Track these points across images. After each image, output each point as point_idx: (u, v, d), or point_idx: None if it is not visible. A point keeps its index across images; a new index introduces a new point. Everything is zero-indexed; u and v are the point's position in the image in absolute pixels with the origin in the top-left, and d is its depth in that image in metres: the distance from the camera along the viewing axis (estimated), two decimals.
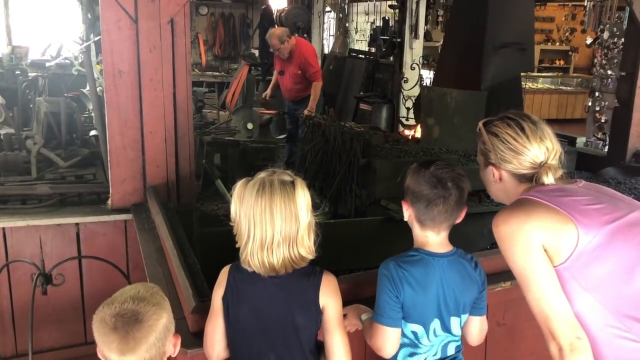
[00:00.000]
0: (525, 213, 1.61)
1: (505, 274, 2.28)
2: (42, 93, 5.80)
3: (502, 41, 4.91)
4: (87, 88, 4.93)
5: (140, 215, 3.18)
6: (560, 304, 1.55)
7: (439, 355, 1.87)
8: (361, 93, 7.99)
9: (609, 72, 8.20)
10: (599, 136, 8.00)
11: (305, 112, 5.93)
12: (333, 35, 11.13)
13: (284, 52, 6.17)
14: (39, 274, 2.93)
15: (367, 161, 4.09)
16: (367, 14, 9.99)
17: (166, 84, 3.26)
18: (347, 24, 10.62)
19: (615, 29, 7.98)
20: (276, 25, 8.38)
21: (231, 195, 1.71)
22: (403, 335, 1.82)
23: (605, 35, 8.15)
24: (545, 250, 1.57)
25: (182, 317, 1.98)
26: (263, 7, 9.63)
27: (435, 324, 1.81)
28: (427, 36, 9.40)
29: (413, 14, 7.80)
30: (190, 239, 2.94)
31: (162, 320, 1.50)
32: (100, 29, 3.16)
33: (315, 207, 1.73)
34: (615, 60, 7.91)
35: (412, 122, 6.92)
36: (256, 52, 9.64)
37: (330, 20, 11.46)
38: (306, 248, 1.68)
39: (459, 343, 1.91)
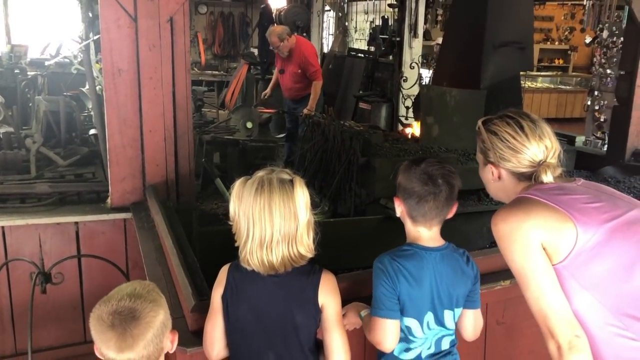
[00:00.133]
0: (524, 211, 1.61)
1: (504, 273, 2.28)
2: (42, 92, 5.79)
3: (502, 40, 4.91)
4: (87, 87, 4.93)
5: (140, 214, 3.18)
6: (559, 302, 1.55)
7: (433, 349, 1.89)
8: (360, 92, 8.00)
9: (608, 71, 8.19)
10: (598, 135, 8.00)
11: (305, 110, 5.93)
12: (332, 34, 11.13)
13: (284, 51, 6.16)
14: (38, 273, 2.93)
15: (366, 160, 4.10)
16: (366, 12, 9.98)
17: (165, 82, 3.26)
18: (346, 23, 10.62)
19: (614, 28, 7.97)
20: (276, 24, 8.37)
21: (230, 194, 1.71)
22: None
23: (605, 34, 8.15)
24: (544, 249, 1.57)
25: (181, 315, 1.98)
26: (262, 6, 9.62)
27: (429, 317, 1.83)
28: (427, 35, 9.41)
29: (412, 12, 7.79)
30: (190, 237, 2.95)
31: (159, 317, 1.51)
32: (100, 27, 3.16)
33: (314, 205, 1.74)
34: (615, 59, 7.90)
35: (411, 121, 6.92)
36: (255, 51, 9.63)
37: (329, 19, 11.46)
38: (305, 246, 1.69)
39: (453, 337, 1.93)
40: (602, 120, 8.17)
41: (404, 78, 7.39)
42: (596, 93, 8.45)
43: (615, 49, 7.98)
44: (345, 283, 2.03)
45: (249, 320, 1.73)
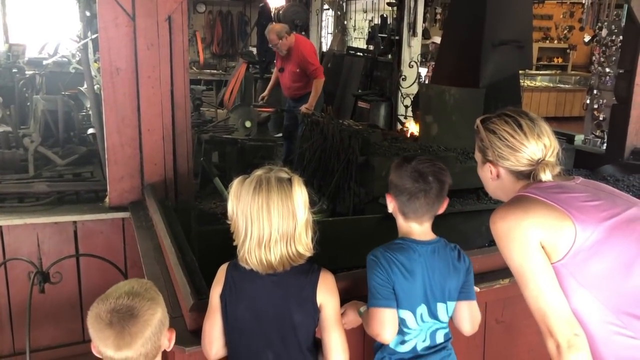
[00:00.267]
0: (523, 210, 1.61)
1: (503, 272, 2.28)
2: (40, 91, 5.78)
3: (501, 39, 4.90)
4: (85, 86, 4.92)
5: (138, 213, 3.18)
6: (558, 301, 1.55)
7: (428, 342, 1.90)
8: (359, 91, 8.00)
9: (607, 69, 8.21)
10: (597, 134, 8.02)
11: (302, 108, 5.93)
12: (331, 33, 11.13)
13: (282, 49, 6.16)
14: (37, 272, 2.93)
15: (365, 159, 4.09)
16: (365, 11, 9.99)
17: (164, 81, 3.25)
18: (345, 22, 10.62)
19: (613, 26, 7.98)
20: (274, 23, 8.36)
21: (228, 193, 1.71)
22: None
23: (604, 32, 8.16)
24: (542, 247, 1.57)
25: (180, 315, 1.98)
26: (261, 4, 9.63)
27: (422, 309, 1.85)
28: (426, 34, 9.41)
29: (411, 11, 7.79)
30: (188, 237, 2.94)
31: (157, 315, 1.51)
32: (98, 26, 3.15)
33: (312, 204, 1.73)
34: (614, 58, 7.92)
35: (410, 120, 6.92)
36: (254, 50, 9.64)
37: (328, 18, 11.46)
38: (304, 245, 1.69)
39: (447, 331, 1.94)
40: (601, 118, 8.19)
41: (403, 77, 7.39)
42: (595, 92, 8.47)
43: (614, 48, 8.00)
44: (344, 282, 2.03)
45: (247, 319, 1.72)
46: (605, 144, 5.82)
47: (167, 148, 3.34)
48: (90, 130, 4.45)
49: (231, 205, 1.69)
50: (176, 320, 1.89)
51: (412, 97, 7.07)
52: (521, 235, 1.57)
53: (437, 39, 9.60)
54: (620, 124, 4.89)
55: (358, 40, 10.38)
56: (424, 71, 8.90)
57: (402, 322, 1.83)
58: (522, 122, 1.71)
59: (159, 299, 1.55)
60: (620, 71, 4.94)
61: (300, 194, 1.67)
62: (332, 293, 1.76)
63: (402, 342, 1.87)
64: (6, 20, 8.94)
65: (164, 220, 2.73)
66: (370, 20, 9.73)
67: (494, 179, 1.79)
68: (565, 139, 5.25)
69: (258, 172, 1.69)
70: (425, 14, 8.72)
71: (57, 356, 3.36)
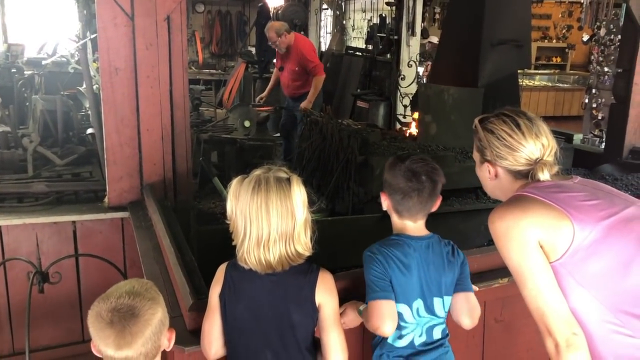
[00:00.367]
0: (521, 209, 1.61)
1: (502, 271, 2.28)
2: (39, 91, 5.78)
3: (499, 38, 4.91)
4: (84, 86, 4.91)
5: (137, 213, 3.18)
6: (557, 300, 1.55)
7: (424, 337, 1.91)
8: (358, 90, 8.00)
9: (606, 69, 8.22)
10: (595, 133, 8.03)
11: (302, 105, 5.95)
12: (330, 33, 11.13)
13: (281, 47, 6.17)
14: (36, 272, 2.93)
15: (364, 158, 4.09)
16: (364, 11, 9.99)
17: (163, 81, 3.25)
18: (344, 21, 10.62)
19: (611, 25, 7.99)
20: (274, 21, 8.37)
21: (227, 193, 1.71)
22: None
23: (602, 32, 8.17)
24: (541, 247, 1.57)
25: (179, 314, 1.98)
26: (260, 4, 9.63)
27: (419, 303, 1.87)
28: (424, 33, 9.41)
29: (410, 11, 7.80)
30: (187, 236, 2.94)
31: (158, 315, 1.51)
32: (97, 26, 3.15)
33: (311, 204, 1.74)
34: (612, 57, 7.92)
35: (409, 119, 6.92)
36: (253, 50, 9.63)
37: (327, 17, 11.46)
38: (303, 245, 1.69)
39: (444, 327, 1.95)
40: (599, 118, 8.20)
41: (402, 76, 7.39)
42: (594, 91, 8.48)
43: (612, 47, 8.01)
44: (343, 281, 2.04)
45: (246, 319, 1.72)
46: (603, 143, 5.83)
47: (166, 148, 3.34)
48: (89, 130, 4.44)
49: (230, 205, 1.69)
50: (175, 320, 1.89)
51: (410, 96, 7.07)
52: (519, 235, 1.58)
53: (434, 39, 9.61)
54: (618, 123, 4.89)
55: (357, 40, 10.38)
56: (421, 70, 8.91)
57: (399, 316, 1.84)
58: (520, 121, 1.71)
59: (159, 298, 1.55)
60: (619, 70, 4.95)
61: (299, 193, 1.67)
62: (331, 293, 1.76)
63: (400, 337, 1.89)
64: (5, 20, 8.93)
65: (163, 220, 2.73)
66: (369, 20, 9.73)
67: (492, 178, 1.80)
68: (564, 138, 5.26)
69: (257, 172, 1.70)
70: (424, 13, 8.73)
71: (56, 356, 3.36)
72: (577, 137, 5.64)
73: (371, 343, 1.99)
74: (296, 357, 1.75)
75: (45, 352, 3.32)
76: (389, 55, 7.97)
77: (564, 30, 14.22)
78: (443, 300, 1.90)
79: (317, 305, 1.73)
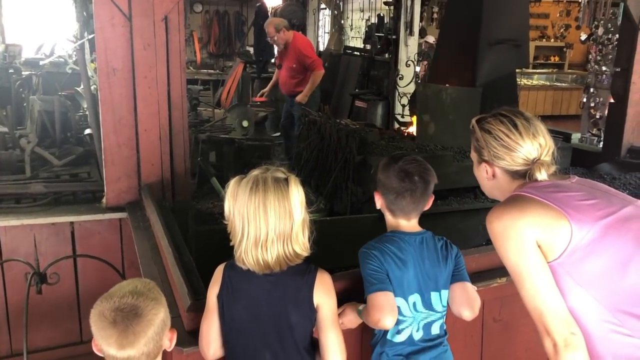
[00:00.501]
0: (519, 209, 1.61)
1: (500, 270, 2.27)
2: (36, 91, 5.76)
3: (497, 38, 4.92)
4: (81, 86, 4.91)
5: (135, 214, 3.17)
6: (555, 300, 1.55)
7: (421, 333, 1.92)
8: (356, 90, 8.01)
9: (604, 68, 8.22)
10: (593, 132, 8.03)
11: (298, 98, 6.00)
12: (328, 33, 11.13)
13: (279, 42, 6.22)
14: (34, 273, 2.92)
15: (362, 158, 4.10)
16: (362, 10, 9.99)
17: (160, 81, 3.25)
18: (342, 21, 10.62)
19: (609, 25, 8.00)
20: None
21: (225, 193, 1.71)
22: None
23: (600, 31, 8.18)
24: (539, 246, 1.57)
25: (177, 315, 1.98)
26: (258, 4, 9.62)
27: (416, 298, 1.89)
28: (422, 33, 9.42)
29: (408, 10, 7.81)
30: (186, 237, 2.94)
31: (160, 315, 1.51)
32: (94, 26, 3.15)
33: (310, 204, 1.73)
34: (610, 57, 7.93)
35: (407, 119, 6.93)
36: (251, 50, 9.63)
37: (325, 17, 11.47)
38: (301, 245, 1.69)
39: (442, 322, 1.97)
40: (597, 117, 8.21)
41: (400, 76, 7.40)
42: (592, 90, 8.48)
43: (610, 46, 8.01)
44: (342, 281, 2.03)
45: (244, 319, 1.72)
46: (602, 142, 5.83)
47: (164, 148, 3.34)
48: (87, 131, 4.43)
49: (228, 206, 1.68)
50: (173, 321, 1.87)
51: (409, 96, 7.08)
52: (517, 235, 1.58)
53: (430, 38, 9.62)
54: (616, 122, 4.90)
55: (355, 40, 10.38)
56: (417, 70, 8.92)
57: (397, 309, 1.85)
58: (518, 121, 1.71)
59: (161, 299, 1.56)
60: (617, 69, 4.95)
61: (297, 193, 1.67)
62: (329, 293, 1.76)
63: (398, 332, 1.90)
64: (2, 21, 8.91)
65: (161, 221, 2.73)
66: (367, 20, 9.73)
67: (490, 178, 1.80)
68: (562, 138, 5.27)
69: (255, 172, 1.69)
70: (422, 13, 8.74)
71: (54, 357, 3.35)
72: (575, 136, 5.65)
73: (370, 343, 2.00)
74: (294, 357, 1.75)
75: (43, 353, 3.32)
76: (387, 55, 7.98)
77: (561, 30, 14.23)
78: (440, 294, 1.93)
79: (315, 305, 1.73)
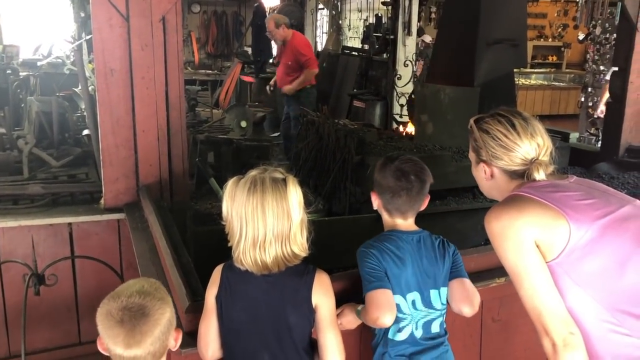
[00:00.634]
0: (517, 209, 1.61)
1: (499, 270, 2.27)
2: (34, 92, 5.77)
3: (495, 37, 4.91)
4: (79, 87, 4.90)
5: (134, 215, 3.17)
6: (553, 299, 1.55)
7: (421, 332, 1.92)
8: (355, 90, 8.00)
9: (602, 67, 8.23)
10: (591, 131, 8.03)
11: (285, 89, 6.17)
12: (326, 33, 11.13)
13: (277, 38, 6.32)
14: (32, 275, 2.91)
15: (361, 158, 4.10)
16: (360, 11, 9.99)
17: (158, 82, 3.25)
18: (340, 21, 10.61)
19: (607, 24, 8.01)
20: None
21: (223, 194, 1.70)
22: None
23: (598, 30, 8.19)
24: (537, 246, 1.57)
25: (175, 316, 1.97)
26: (256, 4, 9.61)
27: (415, 296, 1.89)
28: (420, 33, 9.43)
29: (406, 10, 7.81)
30: (184, 237, 2.93)
31: (167, 315, 1.52)
32: (92, 27, 3.14)
33: (308, 204, 1.73)
34: (608, 56, 7.94)
35: (405, 119, 6.93)
36: (249, 50, 9.62)
37: (323, 17, 11.46)
38: (299, 245, 1.68)
39: (442, 320, 1.97)
40: (595, 116, 8.20)
41: (398, 76, 7.40)
42: (590, 90, 8.49)
43: (608, 46, 8.02)
44: (341, 282, 2.03)
45: (243, 320, 1.72)
46: (600, 142, 5.83)
47: (162, 149, 3.33)
48: (85, 132, 4.43)
49: (226, 206, 1.68)
50: None
51: (407, 96, 7.08)
52: (516, 235, 1.58)
53: (427, 37, 9.62)
54: (614, 121, 4.90)
55: (353, 40, 10.38)
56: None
57: (396, 307, 1.85)
58: (516, 121, 1.71)
59: (168, 299, 1.56)
60: (615, 69, 4.95)
61: (295, 194, 1.67)
62: (328, 294, 1.76)
63: (399, 330, 1.90)
64: (0, 22, 8.90)
65: (159, 221, 2.72)
66: (365, 20, 9.73)
67: (488, 178, 1.80)
68: (560, 137, 5.27)
69: (252, 173, 1.69)
70: (419, 12, 8.74)
71: (53, 358, 3.35)
72: (574, 136, 5.65)
73: (371, 344, 1.99)
74: (293, 358, 1.75)
75: (41, 355, 3.31)
76: (385, 55, 7.97)
77: (559, 29, 14.25)
78: (439, 292, 1.94)
79: (313, 306, 1.73)
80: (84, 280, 3.33)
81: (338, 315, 1.88)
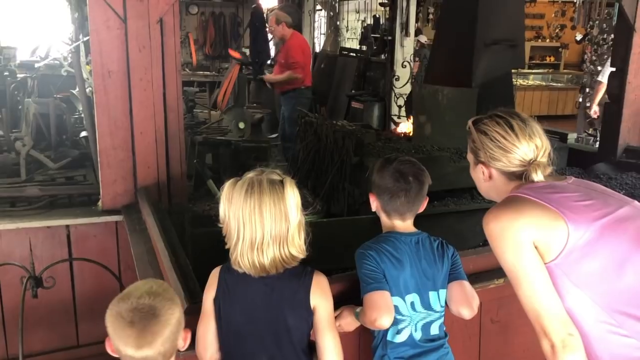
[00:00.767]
0: (515, 210, 1.61)
1: (498, 272, 2.27)
2: (31, 94, 5.74)
3: (493, 38, 4.91)
4: (77, 89, 4.89)
5: (131, 217, 3.16)
6: (552, 300, 1.55)
7: (420, 334, 1.92)
8: (353, 91, 8.00)
9: (599, 68, 8.24)
10: (589, 132, 8.04)
11: (265, 77, 6.43)
12: (324, 34, 11.13)
13: (275, 34, 6.45)
14: (29, 277, 2.91)
15: (359, 159, 4.09)
16: (357, 12, 10.00)
17: (156, 83, 3.24)
18: (338, 22, 10.62)
19: (604, 25, 8.02)
20: (266, 25, 8.39)
21: (220, 196, 1.70)
22: None
23: (595, 31, 8.20)
24: (536, 247, 1.57)
25: None
26: (253, 5, 9.59)
27: (414, 297, 1.89)
28: (418, 34, 9.43)
29: (404, 11, 7.81)
30: (182, 239, 2.92)
31: (176, 315, 1.52)
32: (89, 29, 3.14)
33: (306, 205, 1.73)
34: (605, 57, 7.95)
35: (403, 120, 6.93)
36: (247, 51, 9.60)
37: (321, 18, 11.46)
38: (297, 247, 1.68)
39: (441, 322, 1.97)
40: (588, 118, 8.21)
41: (396, 77, 7.40)
42: (587, 90, 8.50)
43: (605, 46, 8.03)
44: (339, 284, 2.03)
45: (241, 322, 1.72)
46: (598, 142, 5.84)
47: (160, 150, 3.33)
48: (83, 134, 4.42)
49: (223, 208, 1.68)
50: None
51: (405, 97, 7.08)
52: (514, 236, 1.57)
53: (423, 38, 9.62)
54: (612, 122, 4.90)
55: (351, 41, 10.39)
56: None
57: (395, 309, 1.85)
58: (514, 123, 1.71)
59: (176, 299, 1.56)
60: (612, 69, 4.96)
61: (292, 195, 1.66)
62: (326, 296, 1.76)
63: (398, 332, 1.90)
64: None
65: (157, 223, 2.72)
66: (363, 21, 9.74)
67: (486, 180, 1.80)
68: (558, 138, 5.27)
69: (250, 175, 1.69)
70: (417, 13, 8.75)
71: None
72: (572, 136, 5.65)
73: (371, 347, 1.99)
74: None
75: (39, 357, 3.30)
76: (383, 56, 7.98)
77: (557, 30, 14.29)
78: (438, 294, 1.93)
79: (312, 308, 1.72)
80: (81, 282, 3.32)
81: (337, 317, 1.88)
